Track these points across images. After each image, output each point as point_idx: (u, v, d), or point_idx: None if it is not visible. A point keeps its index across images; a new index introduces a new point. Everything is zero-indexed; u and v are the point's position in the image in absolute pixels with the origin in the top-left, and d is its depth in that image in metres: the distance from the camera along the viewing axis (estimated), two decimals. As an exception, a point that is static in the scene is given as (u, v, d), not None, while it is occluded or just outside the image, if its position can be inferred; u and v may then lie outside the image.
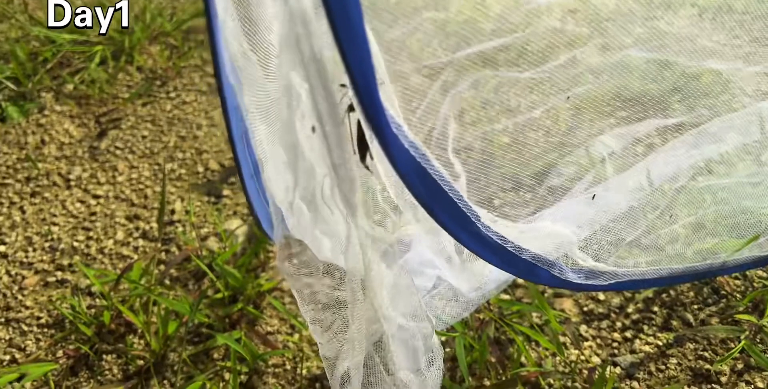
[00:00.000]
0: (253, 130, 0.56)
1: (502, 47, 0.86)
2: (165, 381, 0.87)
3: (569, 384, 0.80)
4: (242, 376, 0.85)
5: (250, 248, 1.03)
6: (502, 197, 0.98)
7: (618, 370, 0.82)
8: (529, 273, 0.66)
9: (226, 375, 0.86)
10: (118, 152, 1.31)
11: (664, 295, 0.90)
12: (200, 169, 1.24)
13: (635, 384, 0.81)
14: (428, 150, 0.53)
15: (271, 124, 0.57)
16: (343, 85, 0.44)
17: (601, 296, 0.91)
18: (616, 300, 0.90)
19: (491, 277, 0.75)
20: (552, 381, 0.80)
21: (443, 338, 0.83)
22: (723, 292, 0.89)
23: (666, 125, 0.94)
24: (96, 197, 1.20)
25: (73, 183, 1.23)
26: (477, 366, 0.81)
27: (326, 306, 0.68)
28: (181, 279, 1.01)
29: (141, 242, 1.09)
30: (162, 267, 1.03)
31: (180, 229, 1.11)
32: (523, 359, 0.83)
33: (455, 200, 0.56)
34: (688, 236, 0.83)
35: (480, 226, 0.59)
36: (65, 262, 1.07)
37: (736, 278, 0.91)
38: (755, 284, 0.89)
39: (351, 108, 0.45)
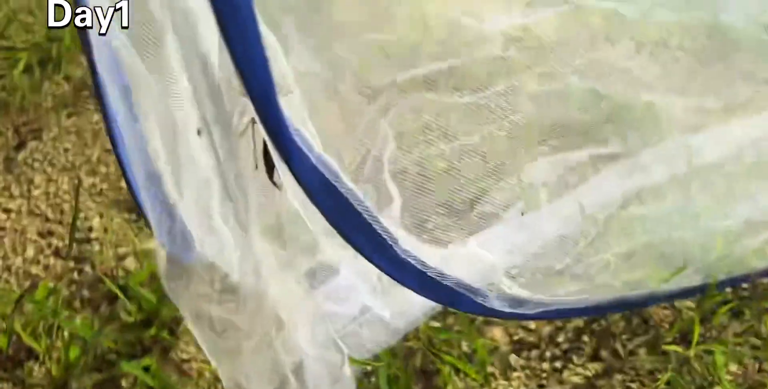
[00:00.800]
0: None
1: (445, 72, 0.84)
2: (65, 413, 0.80)
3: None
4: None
5: (169, 269, 0.98)
6: (434, 221, 0.95)
7: (546, 402, 0.80)
8: (452, 300, 0.63)
9: (134, 407, 0.80)
10: (36, 164, 1.23)
11: (594, 325, 0.89)
12: (123, 184, 1.18)
13: (562, 416, 0.78)
14: (340, 167, 0.50)
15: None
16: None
17: (532, 324, 0.89)
18: (546, 329, 0.88)
19: (416, 303, 0.72)
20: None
21: (368, 367, 0.80)
22: (652, 323, 0.88)
23: (599, 154, 0.93)
24: (7, 210, 1.12)
25: (-18, 196, 1.15)
26: (401, 398, 0.78)
27: (225, 334, 0.63)
28: (93, 301, 0.95)
29: (52, 260, 1.02)
30: (73, 288, 0.97)
31: (97, 248, 1.04)
32: (449, 390, 0.80)
33: (370, 222, 0.53)
34: (618, 265, 0.82)
35: (398, 250, 0.56)
36: (-34, 280, 1.00)
37: (665, 308, 0.90)
38: (683, 315, 0.89)
39: (254, 120, 0.41)
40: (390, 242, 0.55)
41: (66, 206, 1.13)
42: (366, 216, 0.53)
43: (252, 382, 0.59)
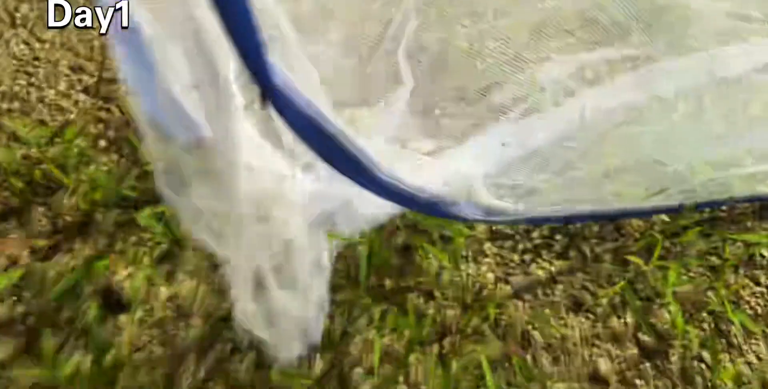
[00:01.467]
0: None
1: None
2: (89, 240, 0.91)
3: (460, 295, 0.87)
4: (163, 246, 0.90)
5: (189, 121, 1.04)
6: (442, 108, 0.99)
7: (508, 288, 0.90)
8: (429, 209, 0.69)
9: (149, 242, 0.91)
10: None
11: (570, 226, 0.96)
12: (153, 26, 1.21)
13: (519, 303, 0.88)
14: (325, 107, 0.54)
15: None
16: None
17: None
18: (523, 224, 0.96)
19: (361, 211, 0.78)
20: (445, 292, 0.87)
21: (356, 243, 0.88)
22: (623, 232, 0.95)
23: (621, 55, 0.94)
24: (41, 40, 1.17)
25: (19, 22, 1.19)
26: (381, 270, 0.87)
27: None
28: (117, 142, 1.03)
29: (82, 96, 1.09)
30: (101, 127, 1.04)
31: (123, 89, 1.10)
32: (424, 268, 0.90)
33: (355, 153, 0.57)
34: (603, 179, 0.87)
35: (378, 173, 0.61)
36: (4, 106, 1.07)
37: (639, 220, 0.97)
38: (655, 228, 0.95)
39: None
40: (373, 167, 0.60)
41: (96, 43, 1.17)
42: (352, 149, 0.57)
43: (243, 258, 0.67)
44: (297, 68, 0.51)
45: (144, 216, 0.93)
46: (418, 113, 0.90)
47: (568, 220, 0.87)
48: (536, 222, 0.89)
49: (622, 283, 0.88)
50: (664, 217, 0.97)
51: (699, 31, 0.93)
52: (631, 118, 0.91)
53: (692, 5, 0.93)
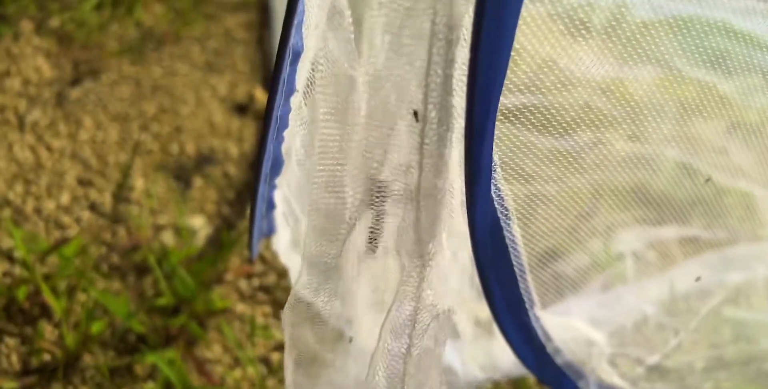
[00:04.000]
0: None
1: (528, 107, 0.78)
2: (70, 388, 0.72)
3: None
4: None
5: (210, 255, 0.90)
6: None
7: None
8: (555, 381, 0.57)
9: (146, 400, 0.72)
10: (89, 106, 1.16)
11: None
12: (174, 149, 1.11)
13: None
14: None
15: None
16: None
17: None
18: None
19: (502, 364, 0.66)
20: None
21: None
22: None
23: (688, 234, 0.87)
24: (49, 149, 1.04)
25: (27, 127, 1.07)
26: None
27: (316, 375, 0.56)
28: (121, 269, 0.87)
29: (87, 213, 0.95)
30: (104, 250, 0.89)
31: (135, 211, 0.97)
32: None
33: (518, 276, 0.46)
34: (708, 369, 0.76)
35: (531, 315, 0.50)
36: (-9, 214, 0.92)
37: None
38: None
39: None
40: (528, 304, 0.49)
41: (111, 158, 1.06)
42: (517, 269, 0.46)
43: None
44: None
45: (145, 364, 0.75)
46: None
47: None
48: None
49: None
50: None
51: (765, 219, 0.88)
52: (727, 302, 0.83)
53: (754, 193, 0.89)
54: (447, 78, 0.31)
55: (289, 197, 0.56)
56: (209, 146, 1.14)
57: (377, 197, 0.37)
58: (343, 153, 0.37)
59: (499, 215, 0.42)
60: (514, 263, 0.46)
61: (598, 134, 0.76)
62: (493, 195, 0.42)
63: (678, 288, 0.82)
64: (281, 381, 0.78)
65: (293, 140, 0.46)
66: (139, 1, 1.42)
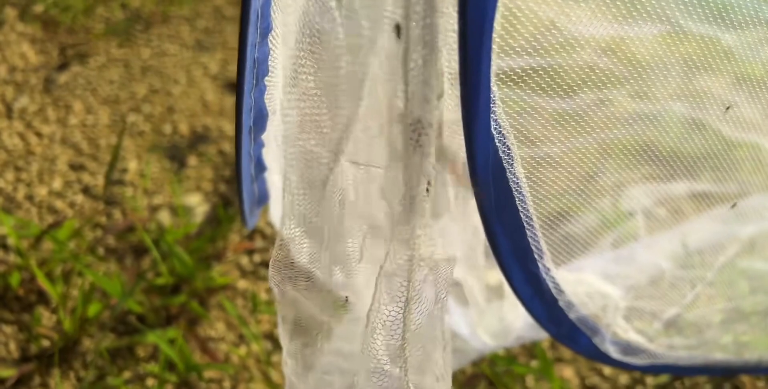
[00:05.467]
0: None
1: (530, 70, 0.75)
2: (71, 373, 0.70)
3: None
4: (168, 386, 0.70)
5: (207, 232, 0.88)
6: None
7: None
8: (569, 337, 0.54)
9: (149, 382, 0.70)
10: (77, 90, 1.13)
11: (677, 383, 0.79)
12: (167, 129, 1.08)
13: None
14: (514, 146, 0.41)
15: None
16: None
17: (606, 370, 0.79)
18: (623, 379, 0.79)
19: (513, 329, 0.63)
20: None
21: None
22: (733, 389, 0.79)
23: (698, 190, 0.84)
24: (39, 135, 1.02)
25: (15, 114, 1.05)
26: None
27: (308, 338, 0.53)
28: (117, 251, 0.85)
29: (80, 197, 0.92)
30: (99, 233, 0.87)
31: (129, 193, 0.94)
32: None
33: (525, 223, 0.43)
34: (726, 322, 0.73)
35: (541, 266, 0.47)
36: (-18, 203, 0.89)
37: (759, 379, 0.81)
38: None
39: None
40: (537, 253, 0.45)
41: (102, 142, 1.03)
42: (523, 215, 0.43)
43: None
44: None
45: (147, 343, 0.73)
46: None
47: (701, 371, 0.71)
48: (670, 370, 0.72)
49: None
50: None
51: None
52: (743, 254, 0.80)
53: (763, 145, 0.86)
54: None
55: (279, 154, 0.52)
56: (203, 124, 1.11)
57: (359, 136, 0.34)
58: (320, 91, 0.34)
59: (501, 154, 0.39)
60: (520, 208, 0.43)
61: (603, 94, 0.73)
62: (494, 132, 0.39)
63: (691, 243, 0.79)
64: (288, 356, 0.76)
65: (276, 88, 0.42)
66: (123, -18, 1.39)
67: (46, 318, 0.75)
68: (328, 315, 0.46)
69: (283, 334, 0.47)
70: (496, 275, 0.55)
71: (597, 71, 0.73)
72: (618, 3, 0.57)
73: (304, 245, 0.41)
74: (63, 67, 1.18)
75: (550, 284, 0.48)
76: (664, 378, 0.77)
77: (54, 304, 0.76)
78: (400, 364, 0.38)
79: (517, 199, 0.42)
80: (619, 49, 0.71)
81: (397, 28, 0.29)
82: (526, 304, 0.48)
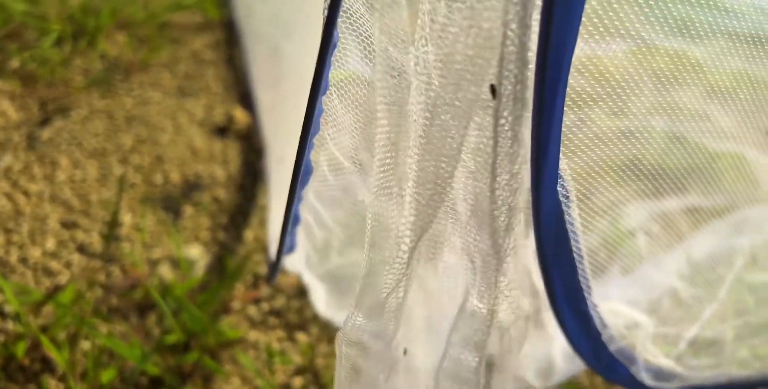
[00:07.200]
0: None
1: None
2: (85, 445, 0.67)
3: None
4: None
5: (213, 285, 0.85)
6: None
7: None
8: (610, 368, 0.53)
9: (169, 446, 0.67)
10: (62, 145, 1.11)
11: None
12: (159, 179, 1.06)
13: None
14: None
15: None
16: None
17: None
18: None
19: (557, 366, 0.62)
20: None
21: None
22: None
23: (689, 204, 0.85)
24: (26, 194, 0.99)
25: (0, 173, 1.02)
26: None
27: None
28: (121, 311, 0.82)
29: (76, 257, 0.90)
30: (100, 293, 0.84)
31: (127, 248, 0.92)
32: None
33: (577, 262, 0.42)
34: (739, 337, 0.73)
35: (588, 302, 0.46)
36: (-26, 269, 0.86)
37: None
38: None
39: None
40: (586, 291, 0.45)
41: (93, 197, 1.01)
42: (576, 254, 0.42)
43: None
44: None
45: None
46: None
47: (726, 388, 0.71)
48: None
49: None
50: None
51: (761, 179, 0.86)
52: (748, 264, 0.81)
53: (745, 155, 0.87)
54: (523, 47, 0.27)
55: (317, 206, 0.51)
56: (194, 172, 1.09)
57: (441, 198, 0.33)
58: (398, 152, 0.33)
59: (561, 197, 0.39)
60: (574, 248, 0.42)
61: (583, 113, 0.73)
62: (557, 183, 0.38)
63: (695, 259, 0.80)
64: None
65: (322, 146, 0.41)
66: (100, 32, 1.37)
67: (53, 387, 0.72)
68: (382, 369, 0.44)
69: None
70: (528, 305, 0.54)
71: (573, 92, 0.74)
72: (585, 21, 0.58)
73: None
74: (45, 122, 1.16)
75: (596, 320, 0.47)
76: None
77: (61, 372, 0.73)
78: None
79: (572, 239, 0.41)
80: (593, 66, 0.72)
81: (492, 89, 0.28)
82: (574, 342, 0.47)
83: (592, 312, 0.46)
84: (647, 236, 0.79)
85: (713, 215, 0.83)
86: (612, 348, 0.51)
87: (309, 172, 0.44)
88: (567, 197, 0.38)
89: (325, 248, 0.62)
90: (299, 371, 0.76)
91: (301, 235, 0.57)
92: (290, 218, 0.48)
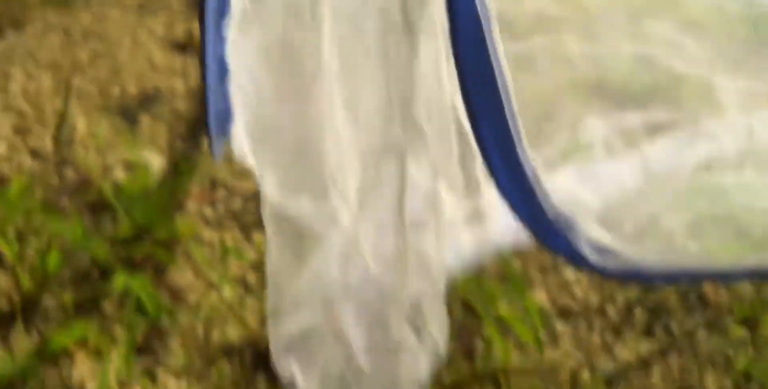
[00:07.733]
0: None
1: None
2: (33, 330, 0.66)
3: (546, 386, 0.67)
4: (139, 333, 0.66)
5: (168, 186, 0.84)
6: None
7: (599, 376, 0.70)
8: (548, 233, 0.52)
9: (117, 331, 0.67)
10: (15, 58, 1.07)
11: (645, 298, 0.79)
12: (115, 91, 1.03)
13: (616, 394, 0.69)
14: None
15: None
16: None
17: (578, 291, 0.79)
18: (594, 299, 0.79)
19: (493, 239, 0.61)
20: (521, 381, 0.67)
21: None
22: (709, 301, 0.80)
23: (655, 121, 0.85)
24: (-22, 101, 0.97)
25: (-51, 80, 0.99)
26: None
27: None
28: (73, 209, 0.81)
29: (29, 160, 0.88)
30: (50, 192, 0.82)
31: (81, 153, 0.90)
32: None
33: (503, 101, 0.41)
34: (694, 229, 0.74)
35: (520, 151, 0.45)
36: None
37: (720, 287, 0.82)
38: (742, 297, 0.80)
39: None
40: (516, 138, 0.44)
41: (47, 107, 0.98)
42: (502, 92, 0.41)
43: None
44: None
45: (112, 294, 0.69)
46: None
47: (669, 278, 0.71)
48: (639, 278, 0.72)
49: (744, 360, 0.70)
50: (748, 285, 0.82)
51: (724, 100, 0.87)
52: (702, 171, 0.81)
53: (712, 79, 0.88)
54: None
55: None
56: (153, 85, 1.07)
57: None
58: None
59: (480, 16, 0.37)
60: (499, 83, 0.40)
61: (554, 37, 0.73)
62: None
63: (650, 165, 0.80)
64: (261, 299, 0.73)
65: None
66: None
67: (3, 280, 0.71)
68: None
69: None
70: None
71: (547, 18, 0.74)
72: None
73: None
74: (-2, 36, 1.12)
75: (529, 172, 0.47)
76: (633, 294, 0.77)
77: (11, 265, 0.72)
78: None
79: (495, 70, 0.40)
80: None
81: None
82: (509, 195, 0.47)
83: (524, 163, 0.45)
84: (606, 148, 0.79)
85: (672, 130, 0.84)
86: (551, 214, 0.51)
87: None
88: (487, 17, 0.37)
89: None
90: (255, 266, 0.76)
91: (236, 94, 0.55)
92: (208, 64, 0.46)
